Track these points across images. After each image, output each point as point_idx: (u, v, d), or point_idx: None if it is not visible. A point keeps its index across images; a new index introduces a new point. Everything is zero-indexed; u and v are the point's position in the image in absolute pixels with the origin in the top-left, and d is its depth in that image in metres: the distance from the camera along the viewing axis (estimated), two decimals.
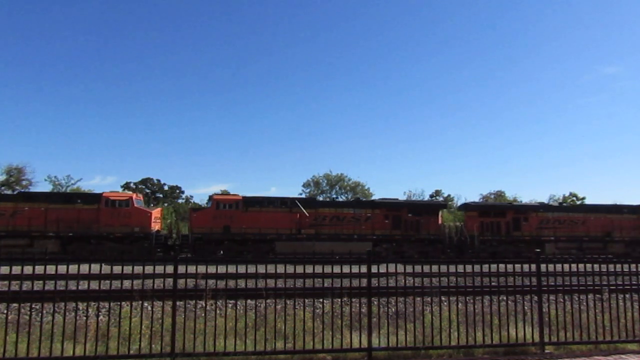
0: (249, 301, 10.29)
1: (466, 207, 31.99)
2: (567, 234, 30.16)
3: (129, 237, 25.71)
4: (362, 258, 7.27)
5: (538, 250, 8.29)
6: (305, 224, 27.41)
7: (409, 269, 7.14)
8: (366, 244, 26.24)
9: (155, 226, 27.47)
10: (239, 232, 26.40)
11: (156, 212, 28.74)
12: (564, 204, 39.04)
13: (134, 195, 27.78)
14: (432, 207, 31.32)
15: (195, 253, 25.79)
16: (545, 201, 66.70)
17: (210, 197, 29.50)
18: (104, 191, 27.38)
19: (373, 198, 39.21)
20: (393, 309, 7.30)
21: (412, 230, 28.56)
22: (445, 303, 8.76)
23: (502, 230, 29.78)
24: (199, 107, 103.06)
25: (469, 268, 7.80)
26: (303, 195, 55.49)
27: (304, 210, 27.41)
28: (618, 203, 35.12)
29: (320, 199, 51.76)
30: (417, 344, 6.69)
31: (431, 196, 66.48)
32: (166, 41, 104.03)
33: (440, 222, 29.83)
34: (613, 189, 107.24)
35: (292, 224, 27.22)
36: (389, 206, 29.43)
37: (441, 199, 67.24)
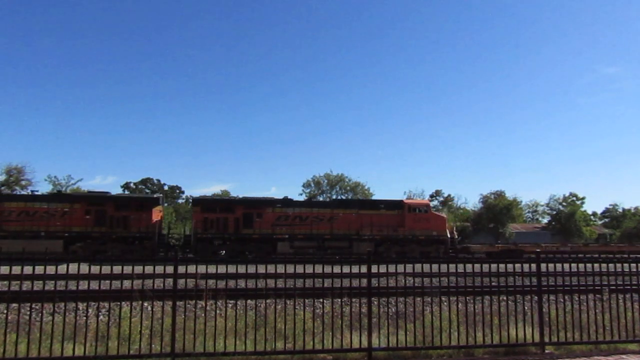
0: (249, 301, 10.27)
1: (192, 201, 29.62)
2: (308, 231, 27.67)
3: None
4: (362, 258, 7.27)
5: (538, 250, 8.28)
6: None
7: (409, 269, 7.12)
8: (56, 242, 24.74)
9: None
10: None
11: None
12: (313, 200, 36.49)
13: None
14: (143, 202, 28.43)
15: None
16: (545, 201, 67.03)
17: None
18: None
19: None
20: (393, 309, 7.30)
21: (120, 226, 26.40)
22: (445, 303, 8.75)
23: (230, 228, 27.29)
24: (199, 107, 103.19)
25: (469, 268, 7.79)
26: (304, 195, 55.56)
27: None
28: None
29: (320, 199, 51.92)
30: (417, 344, 6.69)
31: (431, 196, 66.53)
32: (166, 41, 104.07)
33: (154, 218, 27.33)
34: (613, 189, 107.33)
35: None
36: (91, 200, 27.23)
37: (441, 199, 67.32)
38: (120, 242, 26.21)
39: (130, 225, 26.55)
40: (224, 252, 26.95)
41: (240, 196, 31.67)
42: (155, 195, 29.67)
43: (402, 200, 30.43)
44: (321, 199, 54.89)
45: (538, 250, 8.27)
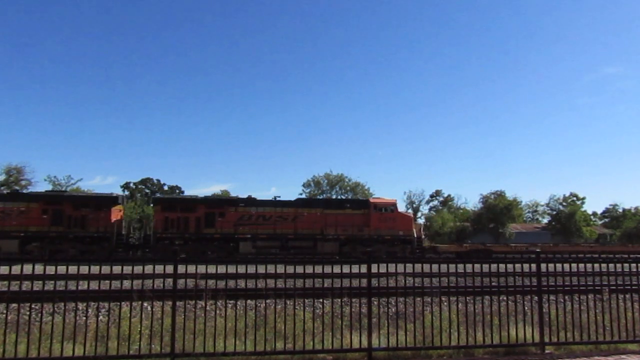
0: (249, 301, 10.27)
1: (153, 200, 29.00)
2: (271, 231, 27.24)
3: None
4: (362, 258, 7.26)
5: (538, 250, 8.28)
6: None
7: (409, 268, 7.12)
8: (12, 242, 24.54)
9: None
10: None
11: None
12: (277, 199, 35.24)
13: None
14: (102, 201, 27.58)
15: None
16: (545, 201, 67.01)
17: None
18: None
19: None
20: (393, 309, 7.29)
21: (78, 226, 25.93)
22: (445, 303, 8.74)
23: (191, 227, 26.77)
24: (199, 107, 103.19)
25: (469, 268, 7.79)
26: (303, 195, 55.51)
27: None
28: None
29: (320, 199, 51.85)
30: (417, 344, 6.68)
31: (431, 196, 66.57)
32: (166, 42, 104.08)
33: (113, 217, 26.81)
34: (613, 189, 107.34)
35: None
36: (48, 199, 26.68)
37: (441, 198, 67.31)
38: (78, 242, 25.75)
39: (88, 225, 26.05)
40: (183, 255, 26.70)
41: (202, 194, 31.12)
42: (114, 194, 29.02)
43: (368, 200, 30.14)
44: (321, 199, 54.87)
45: (538, 250, 8.27)
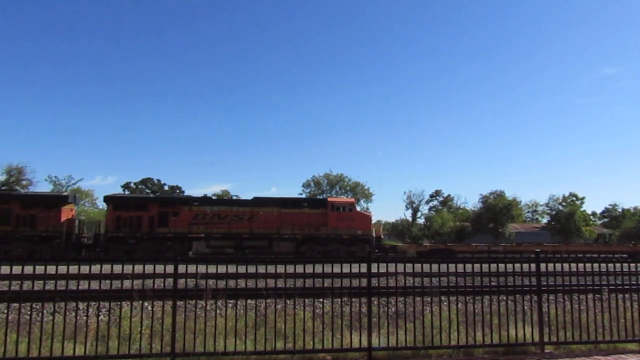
0: (249, 301, 10.29)
1: (104, 199, 28.52)
2: (226, 230, 26.99)
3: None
4: (362, 258, 7.28)
5: (538, 250, 8.29)
6: None
7: (409, 268, 7.13)
8: None
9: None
10: None
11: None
12: (233, 198, 34.71)
13: None
14: (51, 200, 27.19)
15: None
16: (545, 201, 67.05)
17: None
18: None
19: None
20: (393, 309, 7.31)
21: (26, 225, 25.65)
22: (445, 303, 8.76)
23: (144, 226, 26.40)
24: (199, 107, 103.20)
25: (469, 268, 7.80)
26: (304, 195, 55.53)
27: None
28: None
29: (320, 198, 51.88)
30: (417, 344, 6.69)
31: (431, 196, 66.57)
32: (166, 41, 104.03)
33: (63, 217, 26.40)
34: (613, 189, 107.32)
35: None
36: None
37: (441, 198, 67.31)
38: (26, 241, 25.37)
39: (37, 224, 25.69)
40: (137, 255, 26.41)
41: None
42: (64, 193, 28.60)
43: (326, 199, 29.86)
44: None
45: (538, 250, 8.28)
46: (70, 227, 26.71)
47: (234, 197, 34.38)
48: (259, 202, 28.62)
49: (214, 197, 29.07)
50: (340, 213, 28.18)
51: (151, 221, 26.55)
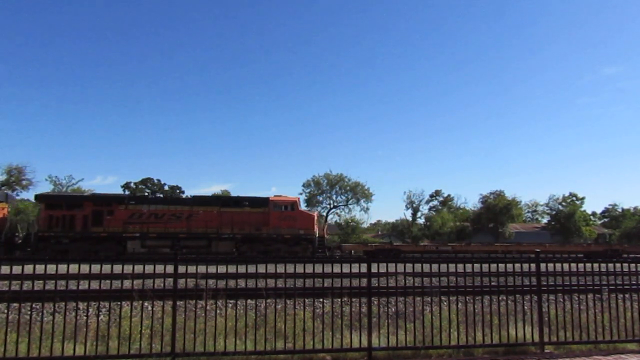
0: (249, 301, 10.28)
1: (35, 197, 27.81)
2: (162, 229, 26.30)
3: None
4: (362, 258, 7.27)
5: (538, 250, 8.29)
6: None
7: (409, 268, 7.13)
8: None
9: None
10: None
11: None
12: (171, 197, 33.45)
13: None
14: None
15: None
16: (545, 201, 67.02)
17: None
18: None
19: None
20: (393, 309, 7.31)
21: None
22: (445, 303, 8.76)
23: (78, 225, 25.57)
24: (199, 107, 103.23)
25: (469, 268, 7.80)
26: (304, 195, 55.47)
27: None
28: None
29: (320, 199, 51.95)
30: (417, 344, 6.70)
31: (431, 196, 66.47)
32: (166, 41, 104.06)
33: None
34: (613, 189, 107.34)
35: None
36: None
37: (441, 198, 67.25)
38: None
39: None
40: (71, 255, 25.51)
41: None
42: None
43: (267, 198, 29.34)
44: (320, 199, 54.90)
45: (538, 250, 8.28)
46: (1, 226, 25.59)
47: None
48: (198, 201, 28.14)
49: (151, 197, 28.23)
50: (282, 212, 27.68)
51: (85, 220, 25.79)
